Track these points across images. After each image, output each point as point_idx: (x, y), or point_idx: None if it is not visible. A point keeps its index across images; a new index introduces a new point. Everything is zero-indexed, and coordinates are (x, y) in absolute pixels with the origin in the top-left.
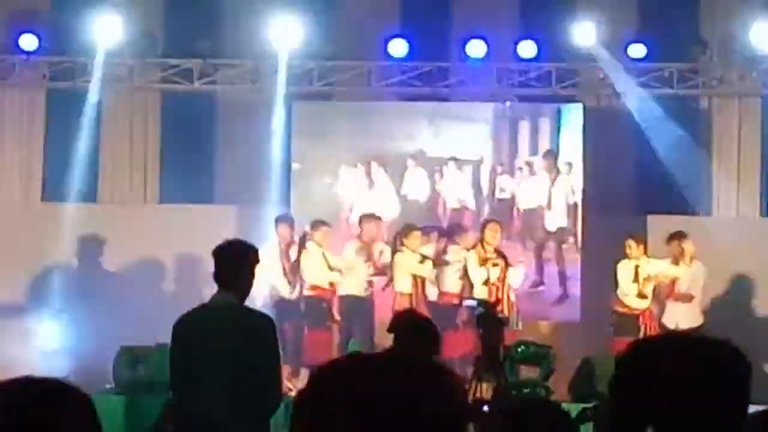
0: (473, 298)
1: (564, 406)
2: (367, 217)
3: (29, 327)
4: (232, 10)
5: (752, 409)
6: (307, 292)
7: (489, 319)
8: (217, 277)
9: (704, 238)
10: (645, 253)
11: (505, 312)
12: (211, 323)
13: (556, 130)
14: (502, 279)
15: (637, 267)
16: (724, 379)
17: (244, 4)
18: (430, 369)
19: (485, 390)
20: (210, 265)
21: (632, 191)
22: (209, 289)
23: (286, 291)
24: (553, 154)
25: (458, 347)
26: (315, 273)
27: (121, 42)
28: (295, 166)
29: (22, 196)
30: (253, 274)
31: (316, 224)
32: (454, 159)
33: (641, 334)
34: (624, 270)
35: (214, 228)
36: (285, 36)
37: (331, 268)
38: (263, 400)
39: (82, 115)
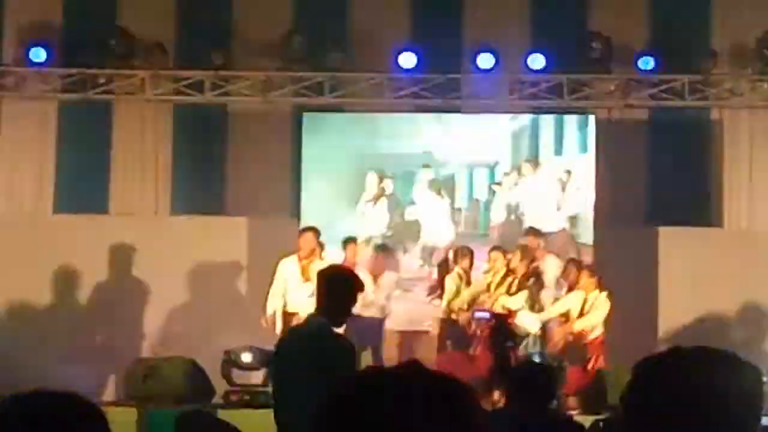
0: (485, 310)
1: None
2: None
3: (40, 337)
4: (244, 22)
5: (765, 421)
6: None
7: (501, 331)
8: (318, 298)
9: (715, 250)
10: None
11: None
12: (300, 342)
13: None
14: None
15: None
16: (737, 392)
17: (256, 15)
18: (445, 383)
19: (498, 403)
20: (221, 275)
21: (643, 203)
22: (220, 300)
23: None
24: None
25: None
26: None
27: (133, 54)
28: (305, 177)
29: (34, 207)
30: (355, 301)
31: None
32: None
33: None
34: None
35: (225, 239)
36: (297, 47)
37: None
38: None
39: (93, 127)
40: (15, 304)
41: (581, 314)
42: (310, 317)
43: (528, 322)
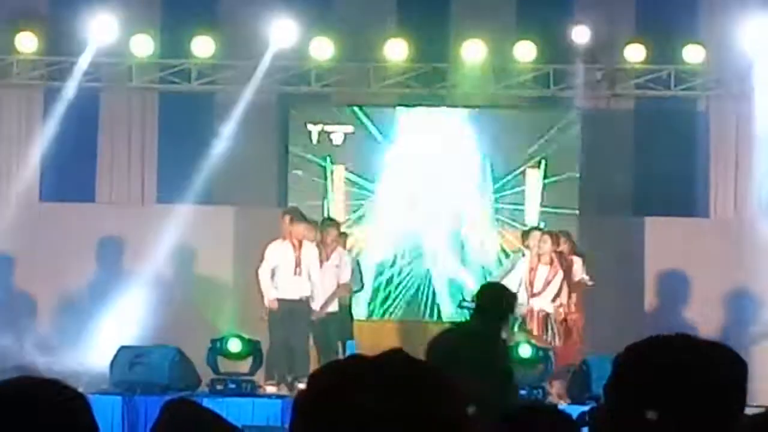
0: (471, 300)
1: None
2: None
3: (26, 326)
4: (230, 10)
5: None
6: None
7: None
8: (481, 306)
9: (702, 240)
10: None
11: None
12: (461, 344)
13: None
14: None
15: None
16: (720, 380)
17: (243, 4)
18: (429, 372)
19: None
20: (207, 264)
21: (630, 194)
22: (207, 289)
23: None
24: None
25: None
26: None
27: (119, 42)
28: (292, 167)
29: (21, 195)
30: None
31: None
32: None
33: None
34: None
35: (212, 228)
36: (283, 37)
37: None
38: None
39: (79, 115)
40: (1, 291)
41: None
42: (473, 319)
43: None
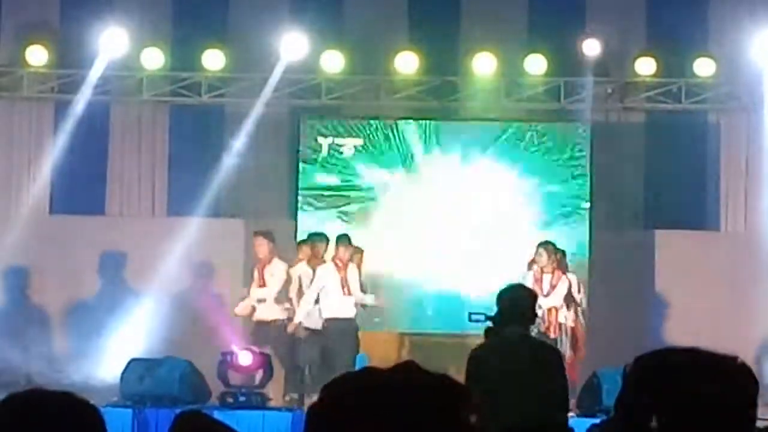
0: (481, 313)
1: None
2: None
3: (37, 338)
4: (240, 23)
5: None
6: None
7: None
8: (510, 312)
9: (712, 252)
10: None
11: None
12: (511, 350)
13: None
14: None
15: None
16: (730, 393)
17: (253, 17)
18: (440, 383)
19: None
20: (218, 277)
21: (640, 206)
22: (217, 301)
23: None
24: None
25: None
26: None
27: (130, 55)
28: (302, 180)
29: (31, 208)
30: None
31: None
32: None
33: None
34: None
35: (222, 241)
36: (294, 50)
37: None
38: (551, 420)
39: (90, 128)
40: (11, 304)
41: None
42: (509, 328)
43: None
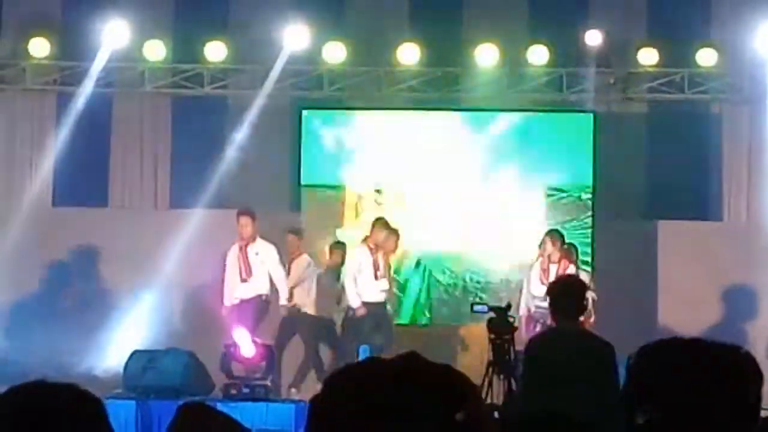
0: (483, 304)
1: None
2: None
3: (40, 330)
4: (242, 15)
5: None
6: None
7: (500, 324)
8: (564, 306)
9: (714, 243)
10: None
11: None
12: (565, 345)
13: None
14: None
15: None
16: (734, 383)
17: (255, 8)
18: (443, 374)
19: (496, 395)
20: (221, 269)
21: (643, 197)
22: (220, 293)
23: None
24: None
25: None
26: None
27: (132, 47)
28: (305, 171)
29: (34, 200)
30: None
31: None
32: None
33: None
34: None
35: (225, 233)
36: (296, 41)
37: None
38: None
39: (92, 120)
40: (15, 297)
41: None
42: (562, 324)
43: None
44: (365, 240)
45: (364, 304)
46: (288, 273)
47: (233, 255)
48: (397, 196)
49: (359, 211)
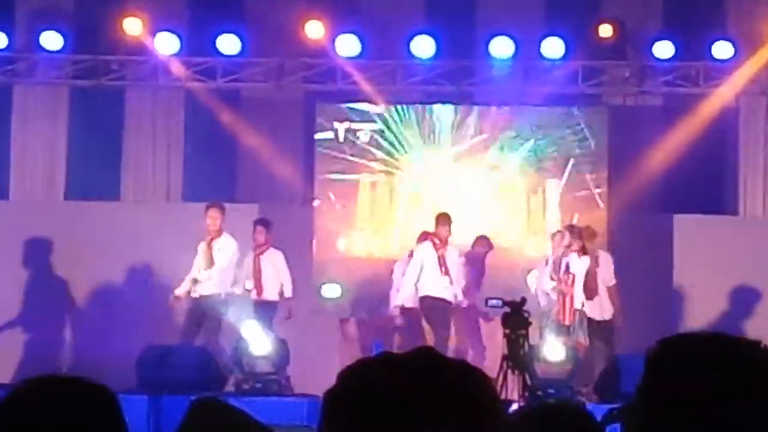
0: (498, 298)
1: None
2: None
3: (51, 325)
4: (256, 7)
5: None
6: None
7: (514, 318)
8: None
9: (730, 237)
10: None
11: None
12: None
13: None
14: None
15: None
16: (752, 378)
17: (268, 1)
18: (458, 369)
19: (511, 390)
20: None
21: (658, 191)
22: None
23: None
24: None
25: None
26: None
27: (145, 40)
28: (318, 165)
29: (46, 193)
30: None
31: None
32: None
33: None
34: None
35: (238, 226)
36: (309, 33)
37: None
38: None
39: (105, 113)
40: (27, 290)
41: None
42: None
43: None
44: (425, 235)
45: (428, 298)
46: (255, 266)
47: (201, 248)
48: (415, 186)
49: (372, 205)
